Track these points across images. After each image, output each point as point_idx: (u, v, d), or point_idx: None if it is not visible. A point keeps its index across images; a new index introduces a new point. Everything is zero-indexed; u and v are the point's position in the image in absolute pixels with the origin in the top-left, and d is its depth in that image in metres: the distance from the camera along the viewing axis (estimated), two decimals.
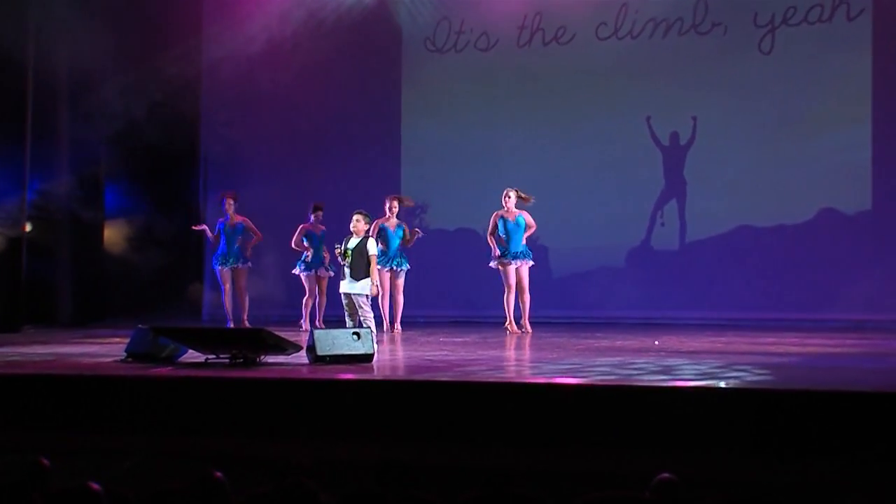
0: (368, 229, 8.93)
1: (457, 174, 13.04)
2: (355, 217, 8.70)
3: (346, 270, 8.57)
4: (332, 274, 10.89)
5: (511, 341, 9.51)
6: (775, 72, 12.11)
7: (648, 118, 12.57)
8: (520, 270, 10.30)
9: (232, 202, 11.15)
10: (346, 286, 8.60)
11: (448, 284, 12.85)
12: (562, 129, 12.77)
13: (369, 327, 8.05)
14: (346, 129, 13.40)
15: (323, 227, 11.14)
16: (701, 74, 12.34)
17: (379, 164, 13.16)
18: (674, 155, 12.53)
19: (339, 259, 8.58)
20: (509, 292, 10.28)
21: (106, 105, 12.16)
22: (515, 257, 10.30)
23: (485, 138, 12.97)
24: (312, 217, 11.05)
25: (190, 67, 13.13)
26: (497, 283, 10.54)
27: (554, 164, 12.77)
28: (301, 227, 11.03)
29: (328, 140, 13.45)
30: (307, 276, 10.93)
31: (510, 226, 10.38)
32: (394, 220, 10.67)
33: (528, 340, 9.59)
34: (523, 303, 10.35)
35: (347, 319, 8.58)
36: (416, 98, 13.29)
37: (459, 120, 13.05)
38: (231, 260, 11.07)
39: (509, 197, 10.41)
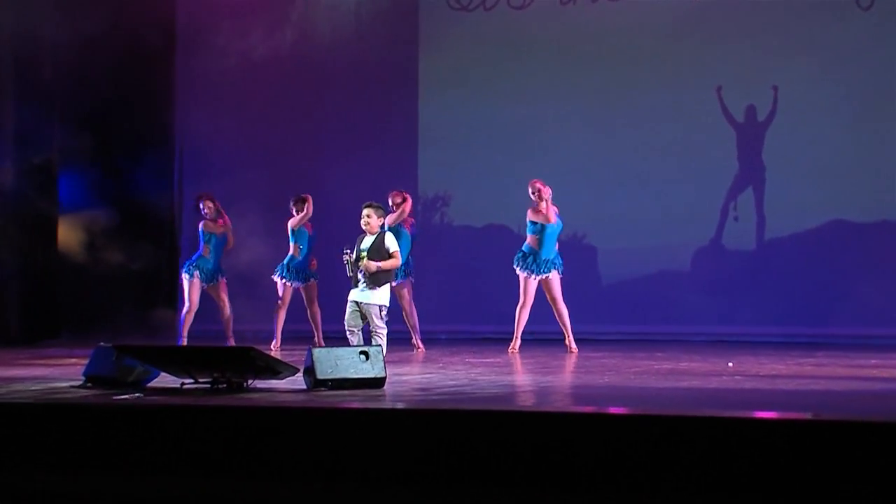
0: (384, 223, 8.95)
1: (485, 159, 13.05)
2: (365, 212, 8.71)
3: (362, 277, 8.55)
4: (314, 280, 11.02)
5: (552, 363, 9.50)
6: (876, 32, 12.01)
7: (719, 89, 12.49)
8: (551, 282, 10.30)
9: (211, 204, 11.29)
10: (358, 294, 8.58)
11: (475, 294, 12.81)
12: (612, 105, 12.75)
13: (380, 345, 8.02)
14: (350, 107, 13.42)
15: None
16: (784, 35, 12.27)
17: (391, 149, 13.18)
18: (750, 133, 12.46)
19: (349, 268, 8.56)
20: (524, 307, 10.34)
21: (60, 80, 12.21)
22: (545, 267, 10.26)
23: (519, 116, 12.98)
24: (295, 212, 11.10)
25: (162, 35, 13.18)
26: (535, 292, 10.51)
27: (602, 146, 12.75)
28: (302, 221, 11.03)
29: (329, 120, 13.48)
30: (283, 285, 11.01)
31: (549, 226, 10.40)
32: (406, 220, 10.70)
33: (572, 362, 9.58)
34: (562, 316, 10.35)
35: (348, 333, 8.59)
36: (436, 67, 13.30)
37: (488, 94, 13.07)
38: (217, 274, 11.18)
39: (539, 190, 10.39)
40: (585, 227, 12.61)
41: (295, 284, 11.02)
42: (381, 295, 8.58)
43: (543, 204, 10.19)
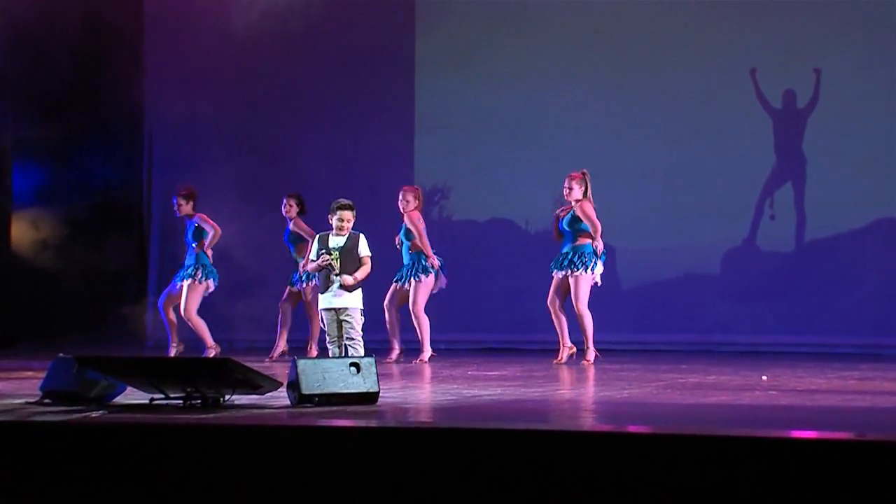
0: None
1: (488, 148, 13.08)
2: (343, 214, 8.71)
3: (335, 279, 8.57)
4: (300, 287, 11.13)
5: (563, 376, 9.50)
6: None
7: (753, 72, 12.50)
8: (568, 282, 10.43)
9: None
10: (332, 299, 8.60)
11: (478, 298, 12.82)
12: (631, 88, 12.76)
13: (371, 354, 8.01)
14: (338, 90, 13.43)
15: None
16: (827, 11, 12.30)
17: (384, 136, 13.19)
18: (788, 121, 12.47)
19: (328, 270, 8.55)
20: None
21: (13, 59, 12.20)
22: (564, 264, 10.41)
23: (526, 100, 13.01)
24: (287, 210, 11.28)
25: (128, 8, 13.19)
26: (545, 294, 10.52)
27: (620, 134, 12.77)
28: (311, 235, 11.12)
29: (315, 105, 13.48)
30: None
31: (560, 223, 10.53)
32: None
33: (587, 374, 9.61)
34: (580, 323, 10.45)
35: (329, 346, 8.58)
36: (433, 45, 13.32)
37: (492, 75, 13.10)
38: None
39: (570, 188, 10.47)
40: (602, 225, 12.61)
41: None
42: (358, 297, 8.62)
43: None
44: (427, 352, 10.74)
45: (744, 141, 12.50)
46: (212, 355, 10.80)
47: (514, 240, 13.02)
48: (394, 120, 13.31)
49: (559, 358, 10.39)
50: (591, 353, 10.40)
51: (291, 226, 11.28)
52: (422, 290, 10.72)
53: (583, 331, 10.33)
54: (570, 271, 10.32)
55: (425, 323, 10.74)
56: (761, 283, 12.42)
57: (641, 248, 12.66)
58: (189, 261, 11.16)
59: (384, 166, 12.97)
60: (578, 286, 10.29)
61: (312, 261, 8.74)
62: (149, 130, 13.86)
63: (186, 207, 11.23)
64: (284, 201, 11.29)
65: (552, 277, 10.43)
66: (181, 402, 7.12)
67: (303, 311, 11.37)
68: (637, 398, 7.59)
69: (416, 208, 10.83)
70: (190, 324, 11.06)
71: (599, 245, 10.32)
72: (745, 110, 12.49)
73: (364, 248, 8.66)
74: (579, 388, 8.52)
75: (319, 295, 8.75)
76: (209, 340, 11.10)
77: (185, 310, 11.00)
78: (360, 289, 8.63)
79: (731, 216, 12.49)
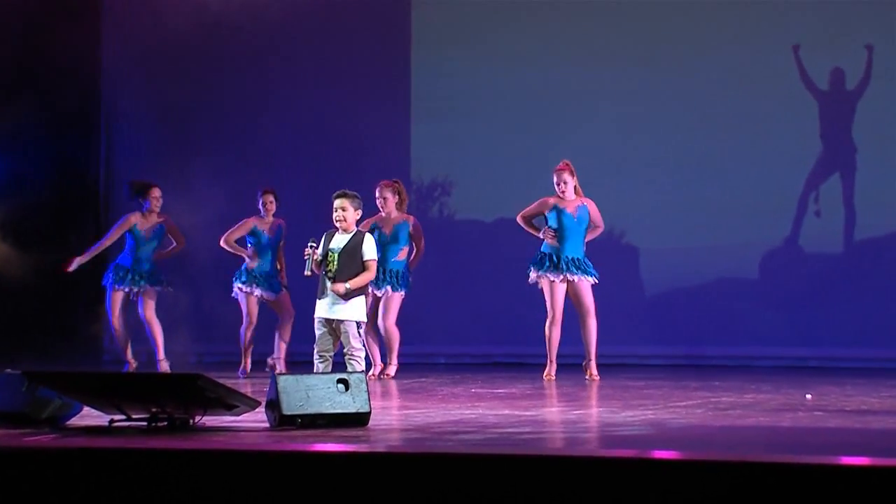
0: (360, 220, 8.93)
1: (494, 136, 13.09)
2: (338, 203, 8.61)
3: (329, 284, 8.53)
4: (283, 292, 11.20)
5: (580, 394, 9.50)
6: None
7: (797, 48, 12.52)
8: (579, 287, 10.40)
9: (159, 193, 11.54)
10: (327, 308, 8.57)
11: (485, 307, 12.82)
12: (656, 68, 12.79)
13: (362, 371, 8.03)
14: (324, 70, 13.45)
15: (280, 222, 11.28)
16: None
17: (376, 123, 13.19)
18: (836, 105, 12.49)
19: (314, 267, 8.52)
20: (553, 323, 10.50)
21: None
22: (571, 267, 10.35)
23: (536, 82, 13.02)
24: (262, 205, 11.28)
25: None
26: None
27: (644, 120, 12.78)
28: (244, 220, 11.17)
29: (298, 87, 13.49)
30: (245, 297, 11.25)
31: (568, 219, 10.46)
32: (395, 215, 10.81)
33: (604, 392, 9.60)
34: (588, 333, 10.44)
35: (317, 360, 8.56)
36: (432, 20, 13.34)
37: (497, 54, 13.11)
38: (138, 279, 11.39)
39: (565, 181, 10.46)
40: (623, 222, 12.61)
41: (249, 293, 11.19)
42: (357, 309, 8.52)
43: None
44: (395, 365, 10.83)
45: (785, 127, 12.50)
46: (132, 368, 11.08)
47: (524, 242, 13.01)
48: (387, 105, 13.30)
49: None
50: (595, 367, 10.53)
51: (267, 224, 11.27)
52: (399, 302, 10.77)
53: (587, 343, 10.47)
54: (582, 275, 10.38)
55: (398, 335, 10.80)
56: (805, 288, 12.43)
57: (667, 249, 12.66)
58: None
59: (376, 158, 12.96)
60: (588, 290, 10.40)
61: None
62: (106, 117, 13.86)
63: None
64: (261, 198, 11.27)
65: (555, 282, 10.40)
66: (145, 423, 7.12)
67: (297, 323, 11.30)
68: (663, 419, 7.56)
69: (396, 207, 10.81)
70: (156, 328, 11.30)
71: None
72: (787, 92, 12.49)
73: (370, 251, 8.56)
74: (597, 408, 8.52)
75: (317, 301, 8.63)
76: (129, 353, 11.41)
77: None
78: (362, 297, 8.56)
79: (770, 212, 12.49)
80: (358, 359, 8.48)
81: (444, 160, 13.14)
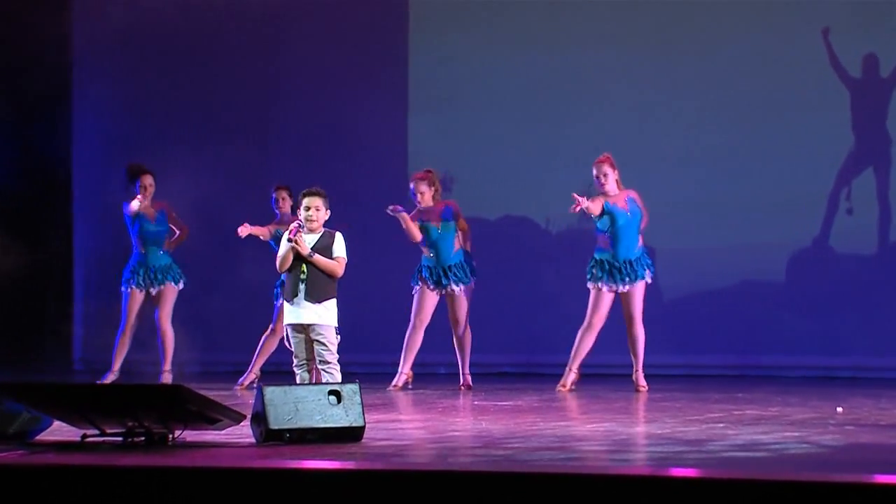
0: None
1: (498, 127, 13.07)
2: (309, 201, 8.61)
3: (302, 287, 8.52)
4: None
5: (593, 406, 9.48)
6: None
7: (826, 32, 12.49)
8: (630, 294, 10.46)
9: (151, 180, 11.46)
10: (298, 312, 8.52)
11: (489, 312, 12.79)
12: (674, 54, 12.78)
13: (356, 383, 8.01)
14: (314, 56, 13.43)
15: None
16: None
17: (370, 113, 13.17)
18: (869, 93, 12.49)
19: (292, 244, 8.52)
20: (588, 330, 10.45)
21: None
22: (626, 274, 10.42)
23: (544, 68, 13.00)
24: (276, 203, 11.25)
25: None
26: (576, 306, 10.52)
27: (660, 110, 12.77)
28: (269, 228, 11.15)
29: (287, 73, 13.50)
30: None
31: (621, 216, 10.50)
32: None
33: (619, 405, 9.59)
34: (634, 342, 10.50)
35: (297, 371, 8.54)
36: (431, 2, 13.30)
37: (503, 39, 13.10)
38: (153, 276, 11.30)
39: (605, 174, 10.49)
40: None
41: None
42: (331, 312, 8.48)
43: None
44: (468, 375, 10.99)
45: (814, 118, 12.48)
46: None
47: (531, 242, 13.01)
48: (382, 93, 13.27)
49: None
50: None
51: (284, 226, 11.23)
52: (468, 298, 10.90)
53: (635, 353, 10.50)
54: (635, 281, 10.40)
55: (469, 339, 10.97)
56: (836, 291, 12.41)
57: (686, 249, 12.65)
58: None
59: (369, 151, 12.95)
60: (638, 297, 10.45)
61: (280, 256, 8.62)
62: (78, 103, 13.85)
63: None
64: (275, 194, 11.24)
65: (602, 290, 10.41)
66: (120, 439, 7.09)
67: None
68: (682, 434, 7.52)
69: (433, 198, 10.84)
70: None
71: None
72: (816, 80, 12.48)
73: (339, 248, 8.56)
74: (610, 422, 8.49)
75: (285, 305, 8.62)
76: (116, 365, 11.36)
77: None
78: (334, 300, 8.53)
79: (798, 210, 12.48)
80: (332, 369, 8.42)
81: (444, 154, 13.10)
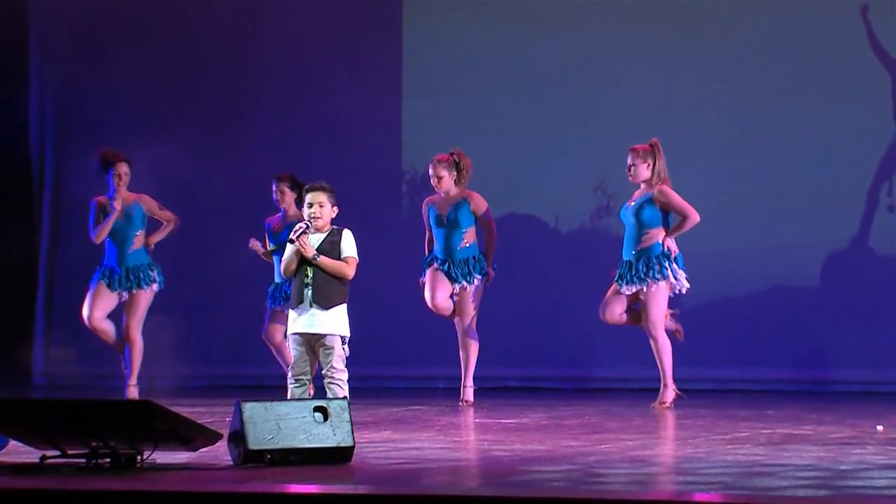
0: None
1: (503, 115, 13.08)
2: (313, 196, 8.66)
3: (308, 292, 8.54)
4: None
5: (607, 424, 9.49)
6: None
7: (865, 10, 12.51)
8: (642, 298, 10.56)
9: (127, 168, 11.39)
10: (305, 321, 8.54)
11: (493, 321, 12.74)
12: (695, 35, 12.82)
13: (344, 397, 8.01)
14: (301, 36, 13.43)
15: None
16: None
17: (362, 99, 13.19)
18: None
19: (295, 246, 8.54)
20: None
21: None
22: (629, 277, 10.53)
23: (556, 50, 13.02)
24: (280, 199, 11.25)
25: None
26: (587, 314, 10.52)
27: (680, 98, 12.81)
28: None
29: (270, 57, 13.48)
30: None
31: (623, 214, 10.68)
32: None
33: (635, 422, 9.61)
34: (655, 354, 10.60)
35: (292, 386, 8.57)
36: None
37: (509, 16, 13.12)
38: (123, 278, 11.28)
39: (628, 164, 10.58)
40: None
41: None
42: (340, 320, 8.53)
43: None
44: (472, 387, 10.99)
45: (851, 105, 12.50)
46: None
47: (539, 243, 13.00)
48: (374, 78, 13.30)
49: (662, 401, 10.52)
50: (670, 393, 10.49)
51: (281, 221, 11.20)
52: (477, 297, 10.93)
53: (659, 361, 10.46)
54: (633, 285, 10.38)
55: (476, 347, 11.01)
56: (876, 297, 12.42)
57: (710, 251, 12.60)
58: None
59: (359, 141, 12.95)
60: (653, 300, 10.41)
61: (284, 259, 8.60)
62: (40, 94, 13.86)
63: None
64: (275, 186, 11.22)
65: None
66: (83, 461, 7.07)
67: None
68: (705, 455, 7.52)
69: (456, 184, 10.85)
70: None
71: (671, 244, 10.49)
72: (854, 63, 12.51)
73: (349, 247, 8.62)
74: (627, 442, 8.48)
75: (290, 312, 8.63)
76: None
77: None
78: (343, 306, 8.56)
79: (833, 208, 12.50)
80: (340, 383, 8.49)
81: (442, 144, 13.03)
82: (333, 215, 8.69)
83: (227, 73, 13.57)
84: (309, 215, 8.60)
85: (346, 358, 8.59)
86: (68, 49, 13.65)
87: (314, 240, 8.59)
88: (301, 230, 8.51)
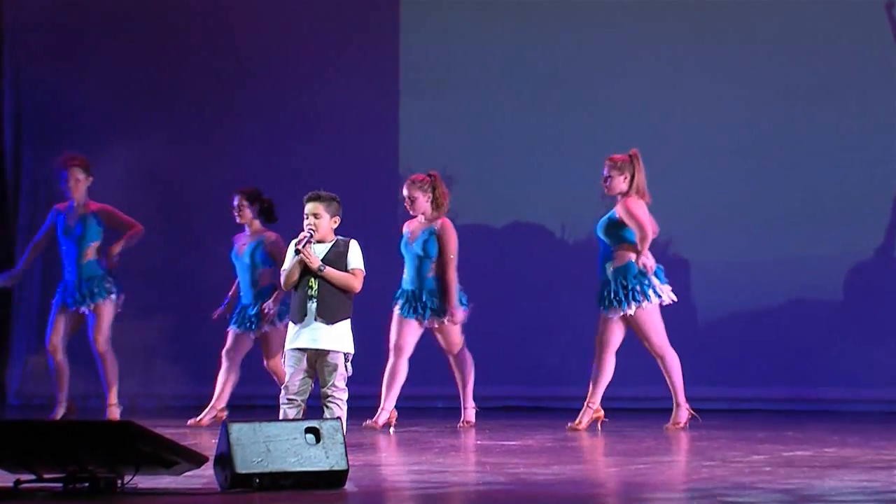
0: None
1: (506, 117, 13.07)
2: (311, 207, 8.67)
3: (312, 305, 8.52)
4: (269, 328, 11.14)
5: (617, 446, 9.49)
6: None
7: (889, 6, 12.52)
8: (631, 321, 10.53)
9: (81, 175, 11.33)
10: (307, 338, 8.53)
11: (494, 337, 12.77)
12: (707, 31, 12.83)
13: (339, 418, 8.01)
14: (291, 35, 13.47)
15: (273, 235, 11.16)
16: None
17: (355, 99, 13.21)
18: None
19: (302, 252, 8.53)
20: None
21: None
22: (608, 300, 10.51)
23: (562, 48, 13.04)
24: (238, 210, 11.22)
25: None
26: (594, 330, 10.53)
27: (692, 98, 12.81)
28: (274, 239, 11.11)
29: (259, 56, 13.52)
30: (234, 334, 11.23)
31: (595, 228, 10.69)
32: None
33: (647, 444, 9.61)
34: (665, 375, 10.60)
35: (285, 406, 8.56)
36: None
37: (508, 15, 13.15)
38: (82, 294, 11.25)
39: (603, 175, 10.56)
40: (668, 229, 12.51)
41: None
42: (345, 335, 8.53)
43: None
44: (473, 408, 11.02)
45: (873, 106, 12.52)
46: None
47: (544, 253, 13.00)
48: (369, 77, 13.31)
49: (577, 422, 10.47)
50: (684, 413, 10.48)
51: (246, 238, 11.17)
52: (457, 328, 10.87)
53: (669, 380, 10.48)
54: (624, 307, 10.35)
55: (471, 365, 10.98)
56: None
57: (726, 262, 12.66)
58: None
59: (354, 145, 12.95)
60: (645, 325, 10.37)
61: (285, 270, 8.62)
62: (13, 96, 13.86)
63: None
64: (235, 200, 11.17)
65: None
66: (60, 485, 7.05)
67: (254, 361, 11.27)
68: (722, 478, 7.50)
69: (432, 208, 10.77)
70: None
71: (646, 261, 10.38)
72: (877, 61, 12.53)
73: (355, 259, 8.61)
74: (638, 466, 8.46)
75: (290, 327, 8.62)
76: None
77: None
78: (348, 321, 8.56)
79: (857, 216, 12.50)
80: (339, 402, 8.50)
81: (441, 147, 13.10)
82: (335, 226, 8.68)
83: (217, 73, 13.60)
84: (307, 226, 8.61)
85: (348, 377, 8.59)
86: (45, 47, 13.67)
87: (318, 250, 8.60)
88: (305, 239, 8.49)
